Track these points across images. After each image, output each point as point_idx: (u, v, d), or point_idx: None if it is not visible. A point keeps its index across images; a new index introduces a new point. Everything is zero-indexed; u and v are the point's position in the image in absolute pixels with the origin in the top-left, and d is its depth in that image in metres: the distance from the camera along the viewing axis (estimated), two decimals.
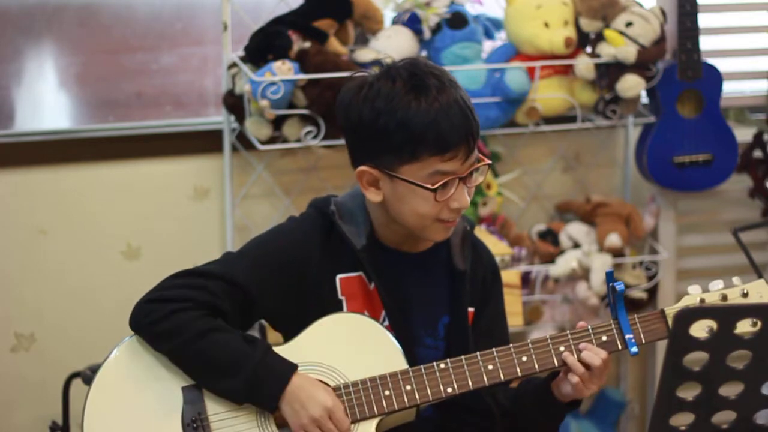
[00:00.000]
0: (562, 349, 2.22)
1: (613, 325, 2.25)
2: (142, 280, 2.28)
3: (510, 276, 3.40)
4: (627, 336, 2.23)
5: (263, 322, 3.08)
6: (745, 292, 2.23)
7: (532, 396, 2.31)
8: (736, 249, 3.10)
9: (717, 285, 2.25)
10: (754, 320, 1.86)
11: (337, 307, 2.26)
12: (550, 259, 3.71)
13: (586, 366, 2.20)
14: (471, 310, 2.35)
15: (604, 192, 3.91)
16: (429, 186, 2.15)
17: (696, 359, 1.87)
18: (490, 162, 2.24)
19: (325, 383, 2.20)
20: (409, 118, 2.13)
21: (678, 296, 3.91)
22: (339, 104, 2.24)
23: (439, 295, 2.33)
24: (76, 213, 3.51)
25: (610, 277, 2.25)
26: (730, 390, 1.90)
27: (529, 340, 2.24)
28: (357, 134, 2.21)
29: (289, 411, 2.14)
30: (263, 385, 2.14)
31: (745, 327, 1.85)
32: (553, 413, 2.29)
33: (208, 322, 2.17)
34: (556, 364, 2.22)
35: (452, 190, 2.17)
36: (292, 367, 2.16)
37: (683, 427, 1.92)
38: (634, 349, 2.23)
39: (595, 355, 2.20)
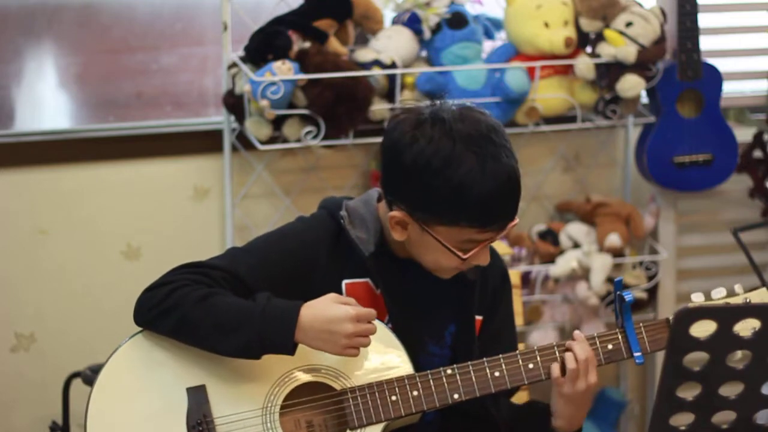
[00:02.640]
0: (567, 351, 2.22)
1: (618, 334, 2.25)
2: (142, 280, 2.28)
3: (510, 276, 3.40)
4: (633, 345, 2.23)
5: None
6: (748, 300, 2.23)
7: (531, 423, 2.32)
8: (736, 249, 3.09)
9: (720, 293, 2.25)
10: (754, 320, 1.86)
11: None
12: (550, 259, 3.70)
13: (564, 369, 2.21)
14: (479, 318, 2.35)
15: (604, 192, 3.91)
16: (460, 254, 2.15)
17: (696, 359, 1.87)
18: (517, 221, 2.21)
19: (331, 386, 2.19)
20: (463, 190, 2.09)
21: (678, 296, 3.94)
22: (389, 137, 2.17)
23: (446, 304, 2.32)
24: (76, 213, 3.51)
25: (618, 285, 2.24)
26: (730, 390, 1.90)
27: (536, 347, 2.24)
28: (402, 177, 2.15)
29: (320, 343, 2.11)
30: (274, 328, 2.10)
31: (745, 327, 1.85)
32: None
33: (206, 290, 2.15)
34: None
35: (477, 251, 2.18)
36: (297, 304, 2.13)
37: (683, 427, 1.92)
38: (640, 358, 2.23)
39: (580, 351, 2.21)
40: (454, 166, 2.09)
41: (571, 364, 2.20)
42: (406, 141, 2.13)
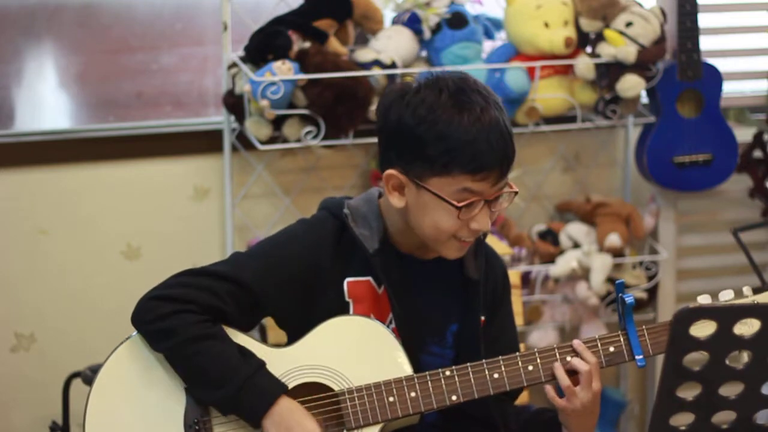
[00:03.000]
0: (569, 359, 2.21)
1: (620, 336, 2.24)
2: (142, 280, 2.28)
3: (510, 276, 3.39)
4: (635, 348, 2.22)
5: (264, 322, 3.09)
6: (756, 303, 2.22)
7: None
8: (736, 249, 3.09)
9: (727, 295, 2.24)
10: (755, 320, 1.86)
11: (343, 310, 2.24)
12: (550, 259, 3.71)
13: (573, 373, 2.20)
14: (481, 318, 2.34)
15: (604, 192, 3.91)
16: (455, 203, 2.14)
17: (696, 359, 1.87)
18: (517, 190, 2.22)
19: (329, 387, 2.19)
20: (449, 131, 2.12)
21: (678, 296, 3.94)
22: (380, 105, 2.22)
23: (449, 303, 2.32)
24: (76, 213, 3.51)
25: (620, 288, 2.23)
26: (730, 390, 1.90)
27: (536, 349, 2.23)
28: (393, 138, 2.18)
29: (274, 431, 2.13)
30: (249, 399, 2.12)
31: (745, 327, 1.85)
32: None
33: (206, 328, 2.15)
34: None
35: (476, 211, 2.16)
36: (281, 388, 2.14)
37: (683, 427, 1.91)
38: (642, 361, 2.22)
39: (582, 362, 2.20)
40: (439, 111, 2.12)
41: (565, 382, 2.20)
42: (397, 103, 2.17)
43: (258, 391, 2.12)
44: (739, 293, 2.25)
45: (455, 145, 2.11)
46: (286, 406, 2.13)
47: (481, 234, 2.33)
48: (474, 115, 2.12)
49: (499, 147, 2.14)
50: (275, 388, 2.14)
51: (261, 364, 2.15)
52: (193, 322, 2.15)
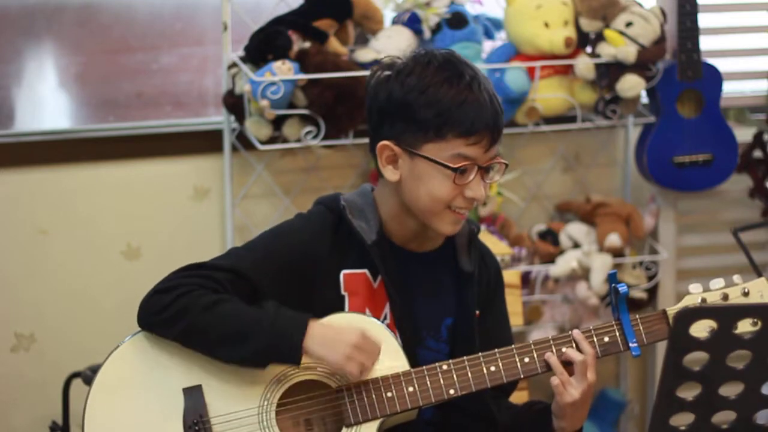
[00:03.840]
0: (564, 350, 2.22)
1: (615, 326, 2.24)
2: (142, 280, 2.28)
3: (510, 276, 3.40)
4: (629, 337, 2.23)
5: None
6: (746, 290, 2.23)
7: (532, 424, 2.31)
8: (736, 249, 3.10)
9: (718, 283, 2.25)
10: (754, 320, 1.86)
11: (339, 303, 2.25)
12: (550, 259, 3.71)
13: (568, 363, 2.20)
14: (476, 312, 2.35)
15: (604, 192, 3.91)
16: (450, 165, 2.16)
17: (696, 359, 1.87)
18: (507, 162, 2.24)
19: (327, 384, 2.19)
20: (439, 96, 2.15)
21: (678, 296, 3.94)
22: (368, 84, 2.26)
23: (443, 297, 2.33)
24: (76, 213, 3.51)
25: (612, 278, 2.24)
26: (730, 390, 1.90)
27: (531, 341, 2.24)
28: (384, 111, 2.21)
29: (325, 350, 2.12)
30: (283, 335, 2.12)
31: (745, 327, 1.85)
32: None
33: (214, 296, 2.16)
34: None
35: (471, 177, 2.18)
36: (305, 315, 2.15)
37: (683, 427, 1.91)
38: (636, 350, 2.23)
39: (577, 352, 2.21)
40: (428, 78, 2.16)
41: (556, 380, 2.20)
42: (386, 78, 2.22)
43: (287, 323, 2.13)
44: (730, 282, 2.26)
45: (447, 107, 2.15)
46: (318, 325, 2.14)
47: (475, 228, 2.34)
48: (464, 81, 2.17)
49: (489, 112, 2.17)
50: (301, 316, 2.15)
51: (276, 303, 2.17)
52: (200, 295, 2.15)
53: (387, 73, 2.22)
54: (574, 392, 2.19)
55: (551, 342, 2.23)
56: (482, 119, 2.16)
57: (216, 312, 2.14)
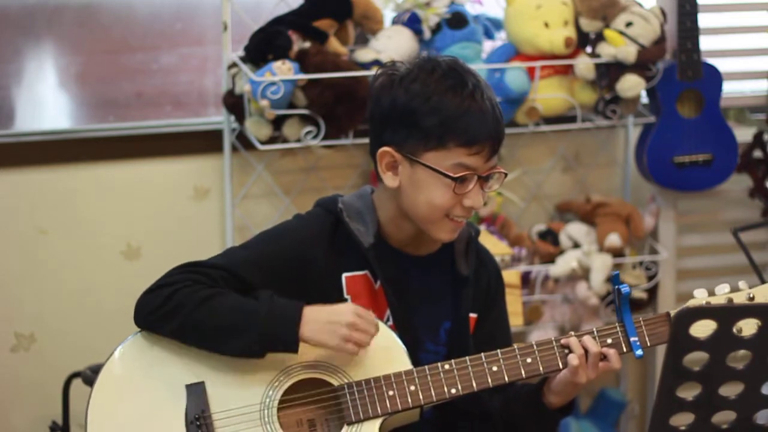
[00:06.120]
0: (566, 351, 2.22)
1: (618, 328, 2.25)
2: (142, 280, 2.28)
3: (510, 276, 3.40)
4: (632, 339, 2.23)
5: None
6: (752, 296, 2.23)
7: (524, 404, 2.31)
8: (736, 249, 3.09)
9: (723, 289, 2.24)
10: (754, 320, 1.86)
11: None
12: (550, 259, 3.71)
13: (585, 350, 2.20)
14: (473, 316, 2.35)
15: (604, 192, 3.91)
16: (451, 174, 2.16)
17: (696, 359, 1.87)
18: (506, 172, 2.25)
19: (329, 383, 2.20)
20: (443, 104, 2.15)
21: (678, 296, 3.94)
22: (372, 88, 2.25)
23: (441, 300, 2.33)
24: (76, 213, 3.51)
25: (615, 279, 2.24)
26: (730, 390, 1.90)
27: (533, 342, 2.24)
28: (386, 117, 2.21)
29: (321, 335, 2.13)
30: (278, 323, 2.12)
31: (745, 327, 1.85)
32: (546, 422, 2.29)
33: (208, 290, 2.17)
34: (561, 366, 2.22)
35: (470, 186, 2.18)
36: (299, 303, 2.15)
37: (683, 427, 1.91)
38: (639, 352, 2.23)
39: (595, 342, 2.21)
40: (432, 86, 2.17)
41: (576, 360, 2.20)
42: (389, 84, 2.21)
43: (282, 311, 2.13)
44: (735, 288, 2.25)
45: (450, 116, 2.15)
46: (311, 310, 2.14)
47: (474, 232, 2.34)
48: (467, 90, 2.17)
49: (492, 121, 2.18)
50: (294, 304, 2.15)
51: (269, 292, 2.17)
52: (194, 290, 2.16)
53: (390, 78, 2.22)
54: (586, 376, 2.20)
55: (554, 343, 2.23)
56: (484, 129, 2.17)
57: (211, 305, 2.15)
